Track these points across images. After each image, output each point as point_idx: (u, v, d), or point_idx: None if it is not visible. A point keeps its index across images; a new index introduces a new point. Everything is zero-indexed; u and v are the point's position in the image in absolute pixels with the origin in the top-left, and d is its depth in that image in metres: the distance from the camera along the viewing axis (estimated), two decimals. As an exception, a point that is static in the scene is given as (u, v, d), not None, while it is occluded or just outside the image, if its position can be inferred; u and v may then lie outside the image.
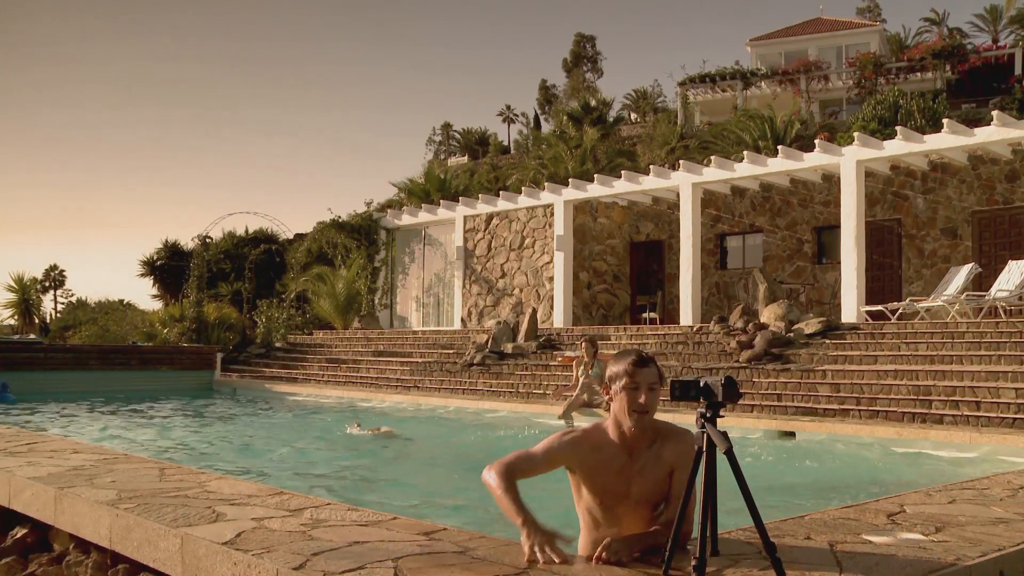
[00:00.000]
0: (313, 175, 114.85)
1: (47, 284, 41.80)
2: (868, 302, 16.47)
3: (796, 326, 14.45)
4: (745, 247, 20.78)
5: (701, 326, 16.30)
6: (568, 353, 15.84)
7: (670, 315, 20.79)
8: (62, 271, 42.53)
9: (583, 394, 12.62)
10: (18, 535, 4.60)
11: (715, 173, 18.64)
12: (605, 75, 66.14)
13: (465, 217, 23.05)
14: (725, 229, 20.91)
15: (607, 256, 22.06)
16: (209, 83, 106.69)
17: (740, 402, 9.91)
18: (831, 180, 18.44)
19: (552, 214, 21.08)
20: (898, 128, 16.71)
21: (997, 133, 15.30)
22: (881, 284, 18.26)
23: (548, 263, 21.13)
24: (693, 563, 2.85)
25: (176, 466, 5.44)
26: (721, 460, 3.06)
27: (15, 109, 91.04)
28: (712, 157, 19.28)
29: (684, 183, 18.85)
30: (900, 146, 16.30)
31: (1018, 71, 30.79)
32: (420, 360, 18.63)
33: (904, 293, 17.52)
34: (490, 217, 22.57)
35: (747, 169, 18.32)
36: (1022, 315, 14.35)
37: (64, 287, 42.71)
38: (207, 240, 28.76)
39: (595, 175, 20.69)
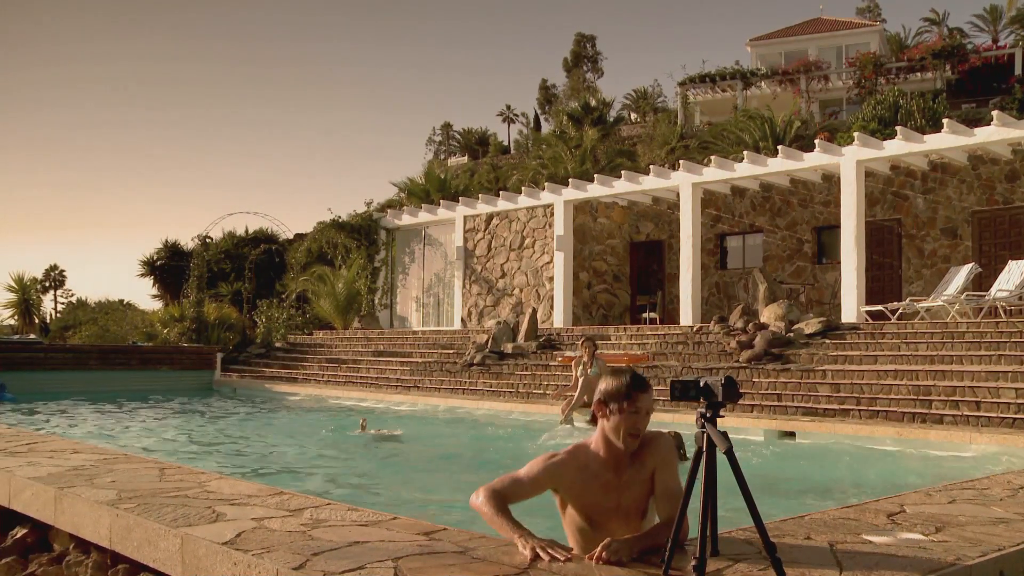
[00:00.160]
0: (313, 175, 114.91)
1: (47, 284, 41.80)
2: (868, 302, 16.47)
3: (796, 326, 14.45)
4: (745, 247, 20.78)
5: (701, 326, 16.30)
6: (568, 353, 15.84)
7: (670, 315, 20.79)
8: (62, 271, 42.57)
9: (583, 395, 12.61)
10: (18, 535, 4.60)
11: (715, 173, 18.64)
12: (605, 75, 66.13)
13: (465, 217, 23.06)
14: (725, 229, 20.91)
15: (607, 256, 22.06)
16: (209, 83, 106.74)
17: (740, 402, 9.91)
18: (831, 180, 18.44)
19: (552, 214, 21.09)
20: (898, 128, 16.71)
21: (997, 133, 15.30)
22: (881, 284, 18.27)
23: (548, 263, 21.13)
24: (693, 563, 2.85)
25: (176, 466, 5.44)
26: (721, 460, 3.06)
27: (15, 109, 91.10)
28: (712, 157, 19.28)
29: (684, 183, 18.85)
30: (900, 146, 16.30)
31: (1018, 71, 30.78)
32: (420, 360, 18.63)
33: (904, 293, 17.52)
34: (490, 217, 22.58)
35: (747, 169, 18.32)
36: (1022, 315, 14.35)
37: (64, 287, 42.75)
38: (207, 240, 28.78)
39: (595, 175, 20.69)
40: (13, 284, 36.88)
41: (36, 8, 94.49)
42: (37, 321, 36.57)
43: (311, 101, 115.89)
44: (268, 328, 24.91)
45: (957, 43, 32.84)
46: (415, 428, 12.24)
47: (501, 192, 22.90)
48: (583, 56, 57.16)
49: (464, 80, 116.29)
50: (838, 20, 39.74)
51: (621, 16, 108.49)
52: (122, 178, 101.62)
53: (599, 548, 3.10)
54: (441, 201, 24.18)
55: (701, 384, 3.09)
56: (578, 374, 12.97)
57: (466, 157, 47.64)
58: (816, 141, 17.84)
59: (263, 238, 31.71)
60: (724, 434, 3.01)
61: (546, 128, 48.84)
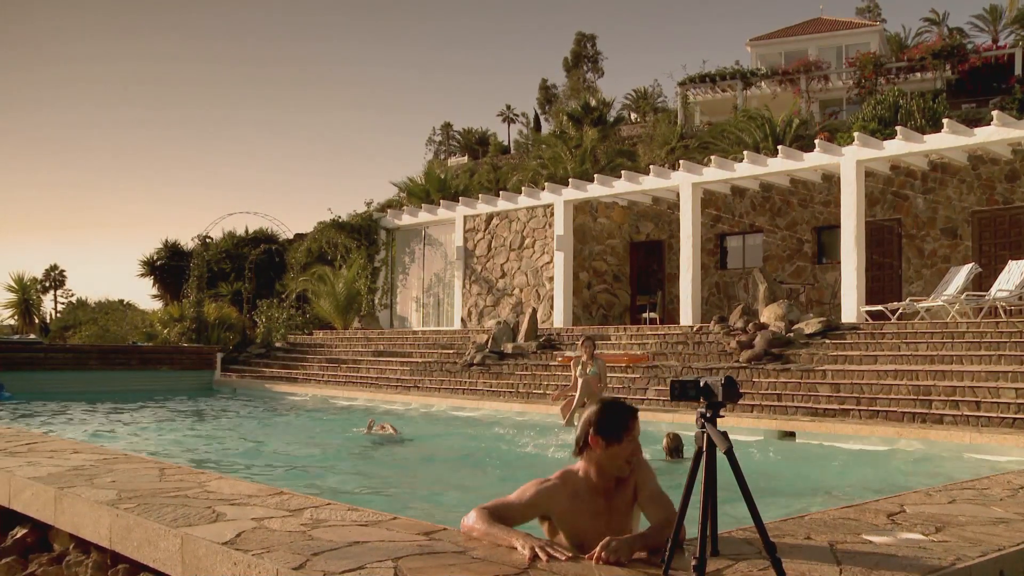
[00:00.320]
0: (313, 175, 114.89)
1: (47, 284, 41.81)
2: (868, 302, 16.48)
3: (796, 326, 14.45)
4: (745, 247, 20.78)
5: (701, 326, 16.30)
6: (568, 353, 15.84)
7: (670, 315, 20.79)
8: (62, 271, 42.58)
9: (584, 396, 12.60)
10: (18, 535, 4.60)
11: (715, 173, 18.64)
12: (605, 75, 66.12)
13: (465, 217, 23.06)
14: (725, 229, 20.91)
15: (607, 256, 22.06)
16: (209, 83, 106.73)
17: (740, 402, 9.91)
18: (831, 180, 18.44)
19: (552, 214, 21.09)
20: (898, 128, 16.71)
21: (997, 133, 15.30)
22: (881, 284, 18.27)
23: (548, 263, 21.13)
24: (693, 563, 2.85)
25: (176, 466, 5.44)
26: (721, 460, 3.06)
27: (15, 109, 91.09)
28: (712, 157, 19.28)
29: (684, 183, 18.85)
30: (900, 146, 16.30)
31: (1018, 71, 30.78)
32: (420, 360, 18.64)
33: (904, 293, 17.52)
34: (490, 217, 22.58)
35: (747, 169, 18.33)
36: (1022, 315, 14.35)
37: (64, 287, 42.75)
38: (207, 240, 28.78)
39: (595, 175, 20.69)
40: (13, 284, 36.89)
41: (36, 8, 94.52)
42: (37, 321, 36.57)
43: (311, 101, 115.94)
44: (268, 328, 24.91)
45: (957, 43, 32.83)
46: (415, 428, 12.24)
47: (501, 192, 22.90)
48: (583, 56, 57.15)
49: (464, 80, 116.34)
50: (838, 20, 39.74)
51: (621, 16, 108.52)
52: (122, 178, 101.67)
53: (598, 548, 3.11)
54: (441, 201, 24.18)
55: (701, 384, 3.10)
56: (577, 374, 12.97)
57: (466, 157, 47.63)
58: (816, 141, 17.84)
59: (263, 238, 31.72)
60: (724, 434, 3.01)
61: (546, 128, 48.84)
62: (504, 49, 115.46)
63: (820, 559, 3.24)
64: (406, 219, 24.77)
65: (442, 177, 27.37)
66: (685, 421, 11.16)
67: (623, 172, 20.32)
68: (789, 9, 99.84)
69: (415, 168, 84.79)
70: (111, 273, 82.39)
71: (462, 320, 22.77)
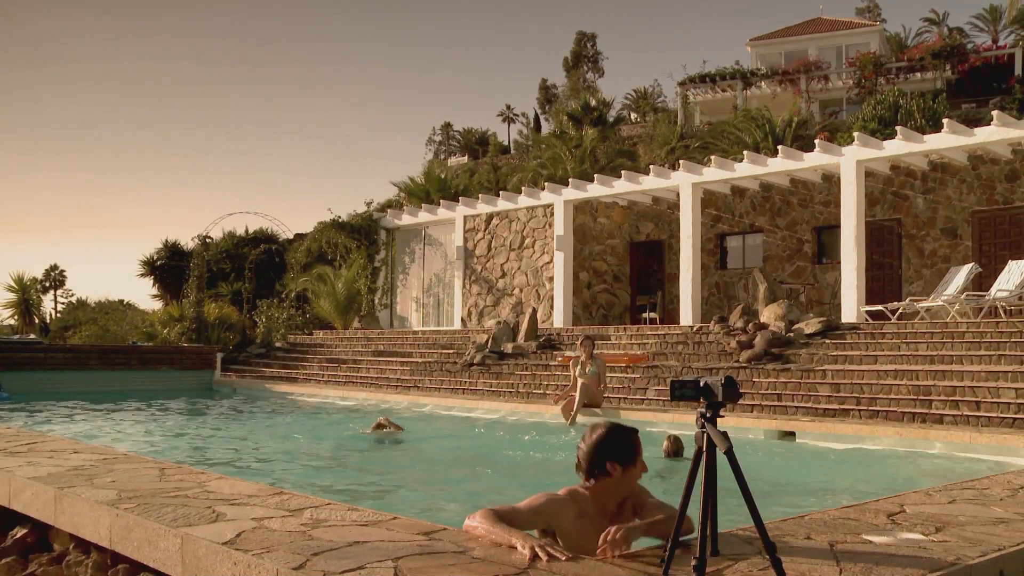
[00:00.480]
0: (313, 175, 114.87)
1: (47, 284, 41.82)
2: (868, 302, 16.48)
3: (796, 326, 14.45)
4: (745, 247, 20.78)
5: (701, 326, 16.30)
6: (568, 353, 15.84)
7: (670, 315, 20.80)
8: (62, 271, 42.59)
9: (584, 397, 12.60)
10: (18, 535, 4.60)
11: (715, 173, 18.64)
12: (605, 75, 66.10)
13: (465, 217, 23.06)
14: (725, 229, 20.91)
15: (607, 256, 22.06)
16: (209, 83, 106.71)
17: (740, 402, 9.91)
18: (831, 180, 18.44)
19: (552, 214, 21.09)
20: (898, 128, 16.71)
21: (997, 133, 15.30)
22: (881, 284, 18.27)
23: (548, 263, 21.13)
24: (693, 563, 2.86)
25: (176, 466, 5.44)
26: (721, 460, 3.06)
27: (15, 109, 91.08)
28: (712, 157, 19.28)
29: (684, 183, 18.85)
30: (900, 146, 16.30)
31: (1018, 71, 30.78)
32: (420, 360, 18.64)
33: (904, 293, 17.52)
34: (490, 217, 22.58)
35: (747, 169, 18.33)
36: (1022, 315, 14.35)
37: (64, 287, 42.76)
38: (207, 240, 28.77)
39: (595, 175, 20.69)
40: (13, 284, 36.90)
41: (36, 8, 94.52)
42: (37, 321, 36.58)
43: (311, 101, 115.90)
44: (268, 328, 24.91)
45: (957, 43, 32.84)
46: (415, 428, 12.24)
47: (501, 192, 22.90)
48: (583, 56, 57.14)
49: (464, 80, 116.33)
50: (838, 20, 39.75)
51: (621, 16, 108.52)
52: (122, 178, 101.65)
53: (601, 543, 3.15)
54: (441, 201, 24.19)
55: (701, 384, 3.10)
56: (576, 374, 12.97)
57: (466, 157, 47.64)
58: (816, 141, 17.84)
59: (263, 238, 31.72)
60: (724, 434, 3.01)
61: (546, 128, 48.83)
62: (504, 49, 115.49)
63: (820, 559, 3.24)
64: (406, 219, 24.77)
65: (442, 177, 27.38)
66: (685, 421, 11.16)
67: (623, 172, 20.32)
68: (789, 9, 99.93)
69: (415, 168, 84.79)
70: (111, 273, 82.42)
71: (462, 320, 22.77)
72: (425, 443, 11.28)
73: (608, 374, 13.81)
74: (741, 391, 4.54)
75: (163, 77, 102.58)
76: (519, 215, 21.93)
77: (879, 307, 15.52)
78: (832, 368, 12.72)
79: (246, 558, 3.03)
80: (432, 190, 25.95)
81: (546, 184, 21.78)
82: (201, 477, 4.89)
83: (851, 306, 16.25)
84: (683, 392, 3.16)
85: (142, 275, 34.08)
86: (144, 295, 45.42)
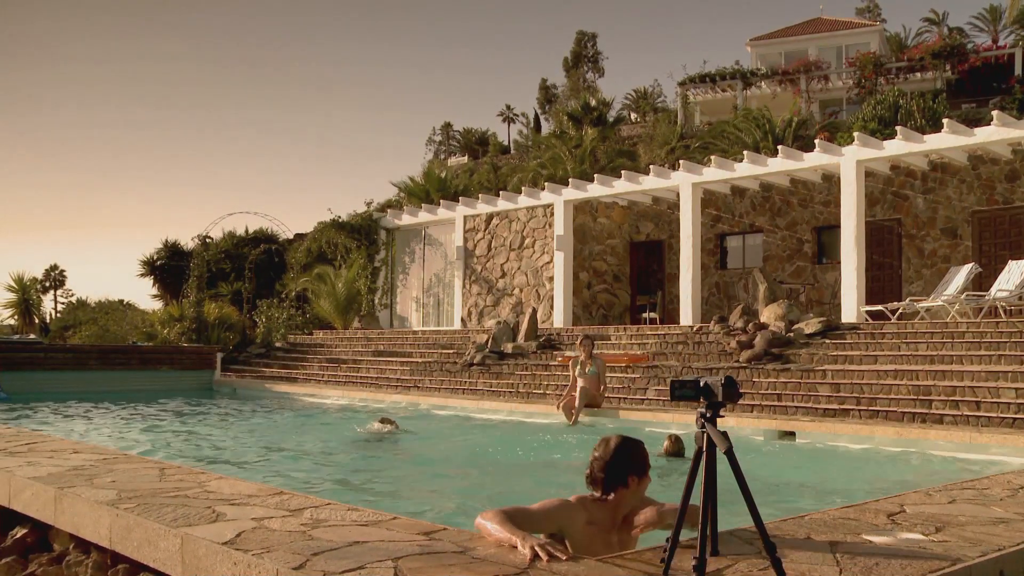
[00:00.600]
0: (313, 175, 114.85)
1: (47, 284, 41.81)
2: (868, 302, 16.48)
3: (796, 326, 14.45)
4: (745, 247, 20.78)
5: (701, 326, 16.30)
6: (568, 353, 15.83)
7: (670, 315, 20.79)
8: (62, 271, 42.57)
9: (584, 399, 12.59)
10: (18, 535, 4.60)
11: (715, 173, 18.64)
12: (605, 75, 66.07)
13: (465, 217, 23.06)
14: (725, 229, 20.91)
15: (607, 256, 22.06)
16: (209, 83, 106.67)
17: (740, 402, 9.91)
18: (831, 180, 18.44)
19: (552, 214, 21.09)
20: (898, 128, 16.71)
21: (997, 133, 15.30)
22: (881, 284, 18.27)
23: (548, 263, 21.13)
24: (693, 563, 2.86)
25: (176, 466, 5.44)
26: (721, 460, 3.06)
27: (15, 109, 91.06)
28: (712, 157, 19.28)
29: (684, 183, 18.85)
30: (900, 146, 16.30)
31: (1018, 71, 30.78)
32: (420, 360, 18.64)
33: (904, 293, 17.52)
34: (490, 217, 22.58)
35: (747, 169, 18.33)
36: (1022, 315, 14.35)
37: (64, 287, 42.75)
38: (207, 240, 28.77)
39: (595, 175, 20.69)
40: (13, 284, 36.90)
41: (36, 8, 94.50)
42: (37, 321, 36.57)
43: (311, 101, 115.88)
44: (268, 328, 24.91)
45: (957, 43, 32.84)
46: (414, 428, 12.23)
47: (501, 192, 22.90)
48: (584, 56, 57.14)
49: (464, 80, 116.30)
50: (838, 20, 39.75)
51: (621, 16, 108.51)
52: (122, 178, 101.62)
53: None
54: (441, 201, 24.19)
55: (701, 384, 3.10)
56: (576, 374, 12.96)
57: (466, 157, 47.64)
58: (816, 141, 17.84)
59: (263, 238, 31.72)
60: (724, 434, 3.01)
61: (546, 128, 48.83)
62: (504, 49, 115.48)
63: (820, 559, 3.24)
64: (406, 219, 24.77)
65: (442, 177, 27.38)
66: (685, 421, 11.16)
67: (623, 172, 20.32)
68: (789, 9, 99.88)
69: (415, 168, 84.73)
70: (111, 273, 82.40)
71: (462, 320, 22.77)
72: (425, 443, 11.28)
73: (608, 374, 13.80)
74: (741, 391, 4.55)
75: (163, 77, 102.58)
76: (519, 215, 21.93)
77: (879, 307, 15.52)
78: (832, 368, 12.72)
79: (246, 558, 3.03)
80: (432, 190, 25.96)
81: (546, 184, 21.78)
82: (201, 477, 4.89)
83: (851, 306, 16.25)
84: (683, 392, 3.16)
85: (142, 275, 34.09)
86: (144, 295, 45.45)
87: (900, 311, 15.19)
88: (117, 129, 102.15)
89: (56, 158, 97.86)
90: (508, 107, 64.15)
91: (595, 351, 13.46)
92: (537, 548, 3.09)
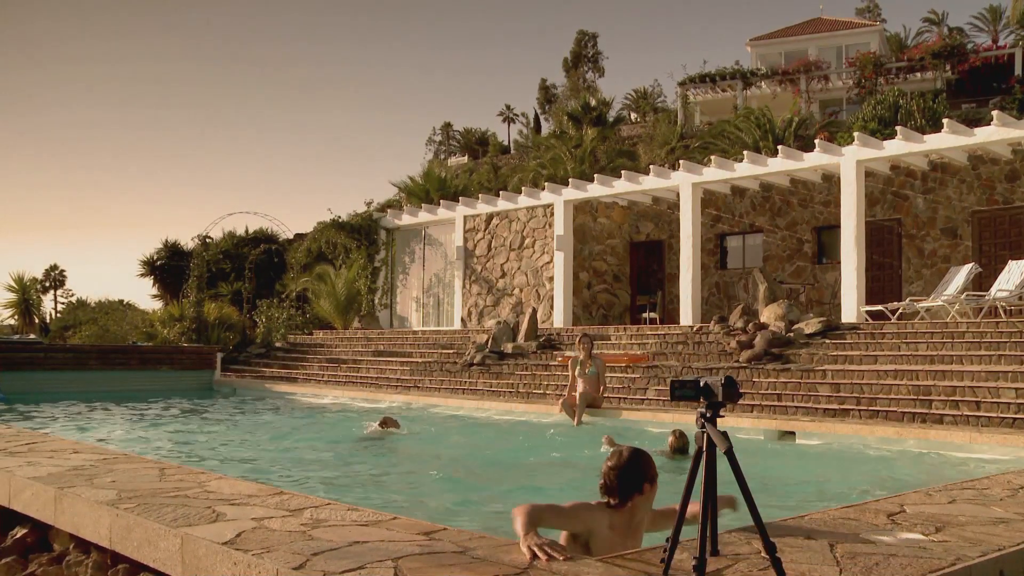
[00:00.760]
0: (313, 175, 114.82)
1: (47, 284, 41.79)
2: (868, 302, 16.48)
3: (796, 326, 14.45)
4: (745, 247, 20.78)
5: (701, 326, 16.30)
6: (568, 353, 15.83)
7: (670, 315, 20.79)
8: (62, 271, 42.55)
9: (585, 403, 12.58)
10: (18, 535, 4.60)
11: (715, 173, 18.64)
12: (606, 75, 66.01)
13: (465, 217, 23.06)
14: (725, 229, 20.91)
15: (607, 256, 22.06)
16: (209, 83, 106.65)
17: (740, 402, 9.91)
18: (831, 180, 18.44)
19: (552, 214, 21.09)
20: (898, 128, 16.71)
21: (997, 133, 15.30)
22: (881, 284, 18.27)
23: (548, 263, 21.13)
24: (693, 563, 2.86)
25: (176, 466, 5.45)
26: (721, 460, 3.06)
27: (16, 109, 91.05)
28: (712, 157, 19.28)
29: (684, 183, 18.85)
30: (900, 146, 16.30)
31: (1018, 71, 30.79)
32: (420, 360, 18.64)
33: (904, 293, 17.52)
34: (490, 217, 22.58)
35: (747, 169, 18.33)
36: (1022, 315, 14.35)
37: (64, 287, 42.73)
38: (207, 240, 28.77)
39: (595, 175, 20.69)
40: (13, 284, 36.89)
41: (37, 8, 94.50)
42: (37, 321, 36.57)
43: (311, 101, 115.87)
44: (268, 328, 24.91)
45: (957, 43, 32.85)
46: (414, 427, 12.23)
47: (501, 192, 22.90)
48: (584, 56, 57.12)
49: (464, 80, 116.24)
50: (838, 20, 39.75)
51: (621, 16, 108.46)
52: (122, 178, 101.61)
53: None
54: (441, 201, 24.19)
55: (701, 384, 3.10)
56: (576, 374, 12.95)
57: (466, 157, 47.64)
58: (816, 141, 17.84)
59: (263, 238, 31.72)
60: (724, 434, 3.01)
61: (546, 128, 48.82)
62: (504, 49, 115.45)
63: (820, 559, 3.24)
64: (406, 219, 24.77)
65: (442, 177, 27.37)
66: (685, 421, 11.15)
67: (623, 172, 20.32)
68: (789, 9, 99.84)
69: (415, 168, 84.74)
70: (111, 273, 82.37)
71: (462, 320, 22.77)
72: (425, 443, 11.28)
73: (608, 374, 13.80)
74: (741, 391, 4.57)
75: (163, 77, 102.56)
76: (519, 215, 21.93)
77: (879, 307, 15.52)
78: (832, 368, 12.72)
79: (246, 558, 3.03)
80: (432, 190, 25.95)
81: (546, 184, 21.78)
82: (201, 477, 4.89)
83: (851, 306, 16.25)
84: (683, 392, 3.16)
85: (142, 275, 34.08)
86: (144, 295, 45.45)
87: (900, 311, 15.19)
88: (117, 129, 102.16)
89: (56, 158, 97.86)
90: (508, 107, 64.17)
91: (595, 351, 13.45)
92: (535, 548, 3.10)
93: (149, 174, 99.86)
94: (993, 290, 14.49)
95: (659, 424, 11.54)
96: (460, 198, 23.80)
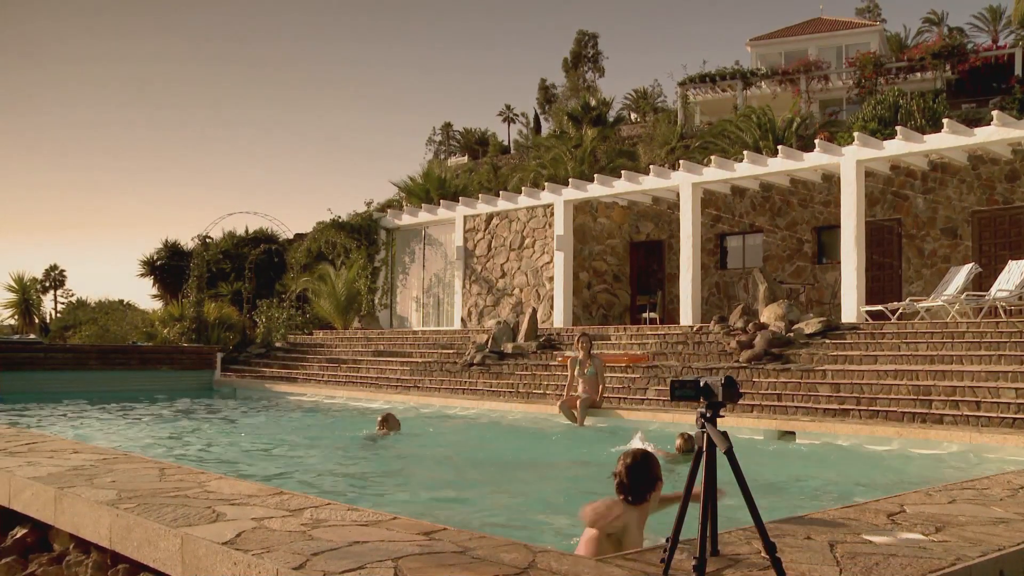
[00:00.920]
0: (313, 175, 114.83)
1: (47, 284, 41.79)
2: (868, 302, 16.47)
3: (796, 326, 14.45)
4: (745, 247, 20.78)
5: (701, 326, 16.30)
6: (568, 353, 15.82)
7: (670, 315, 20.79)
8: (62, 271, 42.55)
9: (585, 406, 12.57)
10: (18, 535, 4.60)
11: (715, 173, 18.64)
12: (606, 75, 66.01)
13: (465, 217, 23.06)
14: (725, 229, 20.91)
15: (607, 256, 22.06)
16: (209, 83, 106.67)
17: (740, 402, 9.91)
18: (831, 180, 18.44)
19: (552, 214, 21.09)
20: (898, 128, 16.71)
21: (997, 133, 15.29)
22: (881, 284, 18.27)
23: (548, 263, 21.13)
24: (693, 563, 2.86)
25: (176, 466, 5.44)
26: (721, 460, 3.06)
27: (16, 109, 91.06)
28: (712, 157, 19.28)
29: (684, 183, 18.85)
30: (900, 146, 16.30)
31: (1018, 71, 30.79)
32: (420, 360, 18.63)
33: (904, 293, 17.52)
34: (490, 217, 22.58)
35: (747, 169, 18.32)
36: (1022, 315, 14.35)
37: (64, 287, 42.73)
38: (207, 240, 28.76)
39: (595, 175, 20.69)
40: (13, 284, 36.89)
41: (37, 8, 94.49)
42: (37, 321, 36.57)
43: (311, 101, 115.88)
44: (268, 328, 24.90)
45: (957, 43, 32.86)
46: (414, 427, 12.23)
47: (501, 192, 22.90)
48: (584, 56, 57.15)
49: (464, 80, 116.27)
50: (838, 20, 39.76)
51: (621, 16, 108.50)
52: (122, 178, 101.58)
53: None
54: (441, 201, 24.18)
55: (701, 384, 3.10)
56: (576, 374, 12.95)
57: (466, 157, 47.65)
58: (816, 141, 17.83)
59: (263, 238, 31.72)
60: (724, 434, 3.01)
61: (546, 128, 48.82)
62: (504, 49, 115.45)
63: (820, 559, 3.24)
64: (406, 219, 24.77)
65: (442, 177, 27.36)
66: (685, 421, 11.15)
67: (623, 172, 20.32)
68: (789, 9, 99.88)
69: (415, 168, 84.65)
70: (111, 273, 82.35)
71: (462, 320, 22.77)
72: (425, 443, 11.28)
73: (608, 374, 13.80)
74: (741, 391, 4.60)
75: (163, 77, 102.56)
76: (519, 215, 21.93)
77: (879, 307, 15.52)
78: (832, 368, 12.72)
79: (246, 558, 3.03)
80: (432, 190, 25.94)
81: (546, 184, 21.78)
82: (201, 477, 4.89)
83: (851, 306, 16.25)
84: (683, 392, 3.16)
85: (142, 275, 34.08)
86: (144, 295, 45.44)
87: (900, 311, 15.19)
88: (117, 129, 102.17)
89: (56, 158, 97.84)
90: (508, 107, 64.23)
91: (594, 351, 13.45)
92: None
93: (149, 174, 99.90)
94: (993, 290, 14.49)
95: (659, 424, 11.53)
96: (460, 198, 23.80)
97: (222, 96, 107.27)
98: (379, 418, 11.18)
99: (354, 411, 14.94)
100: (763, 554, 2.95)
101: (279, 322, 24.87)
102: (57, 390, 17.37)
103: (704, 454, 3.05)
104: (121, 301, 33.03)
